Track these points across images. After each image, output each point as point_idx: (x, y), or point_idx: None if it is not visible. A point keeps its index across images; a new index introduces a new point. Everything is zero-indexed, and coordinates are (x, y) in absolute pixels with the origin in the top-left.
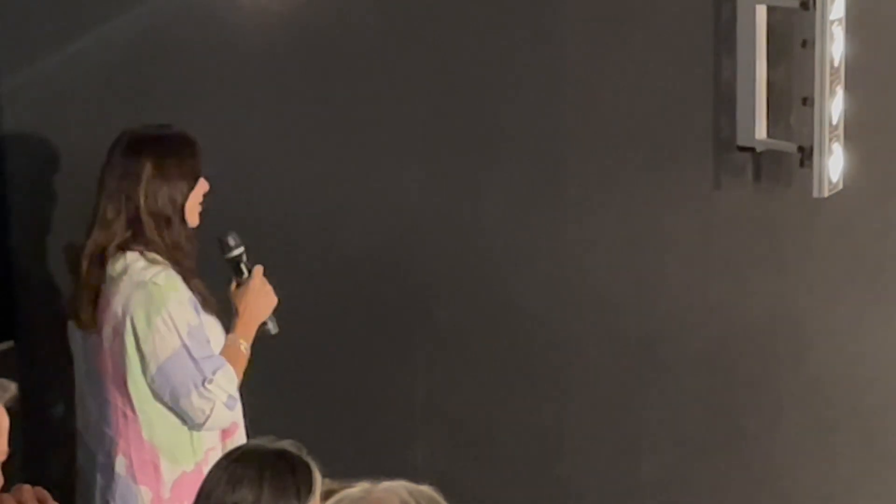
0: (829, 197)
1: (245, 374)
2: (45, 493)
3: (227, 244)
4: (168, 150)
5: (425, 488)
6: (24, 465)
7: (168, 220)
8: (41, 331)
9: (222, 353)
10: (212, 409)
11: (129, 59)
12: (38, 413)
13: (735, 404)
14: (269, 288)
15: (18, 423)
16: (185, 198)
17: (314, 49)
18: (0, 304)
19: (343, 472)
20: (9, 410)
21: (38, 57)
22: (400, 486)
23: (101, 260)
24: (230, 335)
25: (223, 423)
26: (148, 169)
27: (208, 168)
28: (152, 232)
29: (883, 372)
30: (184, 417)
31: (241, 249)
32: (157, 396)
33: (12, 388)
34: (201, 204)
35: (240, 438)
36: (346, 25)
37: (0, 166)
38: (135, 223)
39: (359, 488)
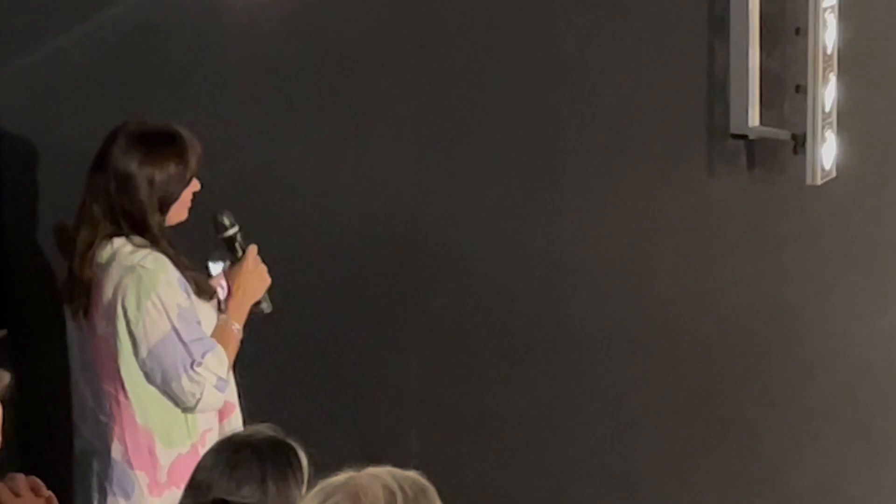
0: (823, 184)
1: (238, 361)
2: (39, 482)
3: (222, 223)
4: (160, 152)
5: (410, 473)
6: (19, 454)
7: (147, 220)
8: (36, 319)
9: (214, 334)
10: (202, 392)
11: (123, 52)
12: (33, 402)
13: (730, 391)
14: (262, 268)
15: (13, 413)
16: (174, 199)
17: (311, 37)
18: None
19: (337, 460)
20: (3, 400)
21: (30, 49)
22: (384, 471)
23: (92, 255)
24: (222, 316)
25: (214, 405)
26: (135, 169)
27: (205, 153)
28: (136, 228)
29: (877, 358)
30: (175, 400)
31: (235, 229)
32: (150, 379)
33: (6, 377)
34: (189, 201)
35: (236, 420)
36: (343, 15)
37: None
38: (119, 219)
39: (343, 475)
